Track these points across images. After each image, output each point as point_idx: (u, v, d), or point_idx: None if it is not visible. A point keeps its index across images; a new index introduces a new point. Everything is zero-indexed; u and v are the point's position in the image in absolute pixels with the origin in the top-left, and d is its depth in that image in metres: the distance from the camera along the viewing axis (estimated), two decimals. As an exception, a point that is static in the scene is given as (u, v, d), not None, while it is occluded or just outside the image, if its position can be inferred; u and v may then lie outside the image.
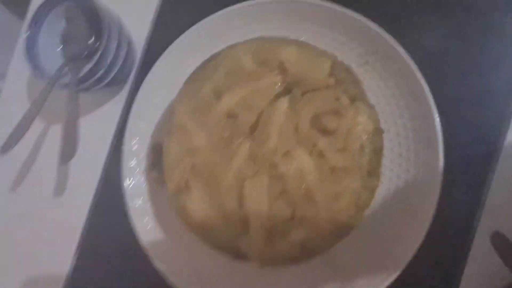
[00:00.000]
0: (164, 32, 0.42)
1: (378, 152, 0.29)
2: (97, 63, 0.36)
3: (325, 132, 0.29)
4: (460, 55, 0.35)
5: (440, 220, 0.31)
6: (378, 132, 0.29)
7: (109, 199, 0.42)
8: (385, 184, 0.33)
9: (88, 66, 0.37)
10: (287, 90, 0.31)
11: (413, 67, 0.32)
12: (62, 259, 0.42)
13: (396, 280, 0.31)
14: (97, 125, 0.44)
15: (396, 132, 0.34)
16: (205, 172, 0.32)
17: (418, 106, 0.33)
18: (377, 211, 0.33)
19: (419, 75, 0.32)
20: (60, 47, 0.40)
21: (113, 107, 0.44)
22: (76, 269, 0.42)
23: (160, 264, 0.35)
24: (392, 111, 0.34)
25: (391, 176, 0.33)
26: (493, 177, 0.32)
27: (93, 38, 0.38)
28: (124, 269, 0.40)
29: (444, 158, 0.31)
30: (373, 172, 0.29)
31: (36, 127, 0.44)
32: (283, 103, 0.30)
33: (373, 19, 0.33)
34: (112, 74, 0.39)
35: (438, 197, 0.31)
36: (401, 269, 0.31)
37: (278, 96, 0.31)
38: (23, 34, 0.38)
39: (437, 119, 0.31)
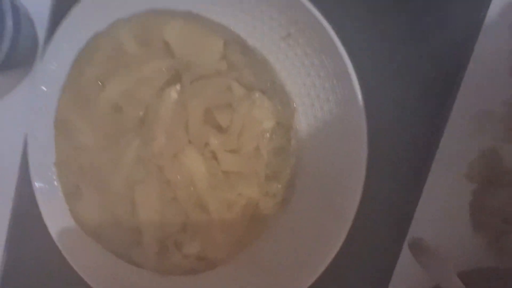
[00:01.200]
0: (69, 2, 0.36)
1: (281, 152, 0.25)
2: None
3: (219, 129, 0.24)
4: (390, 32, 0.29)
5: (367, 224, 0.27)
6: (282, 129, 0.24)
7: (28, 196, 0.39)
8: (306, 181, 0.29)
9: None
10: (177, 77, 0.25)
11: (336, 42, 0.27)
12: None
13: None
14: (6, 117, 0.39)
15: (322, 121, 0.29)
16: (94, 174, 0.28)
17: (343, 91, 0.27)
18: (297, 211, 0.29)
19: (342, 53, 0.27)
20: None
21: (23, 93, 0.39)
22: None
23: (78, 268, 0.33)
24: (318, 95, 0.29)
25: (314, 173, 0.29)
26: (426, 179, 0.28)
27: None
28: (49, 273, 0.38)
29: (368, 152, 0.27)
30: (275, 176, 0.25)
31: None
32: (170, 95, 0.25)
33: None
34: None
35: (361, 196, 0.27)
36: (319, 272, 0.29)
37: (167, 84, 0.25)
38: None
39: (362, 109, 0.26)
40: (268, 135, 0.24)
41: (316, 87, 0.29)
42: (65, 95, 0.28)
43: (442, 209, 0.28)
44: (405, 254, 0.29)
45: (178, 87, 0.25)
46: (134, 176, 0.26)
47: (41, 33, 0.37)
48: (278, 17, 0.29)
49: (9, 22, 0.33)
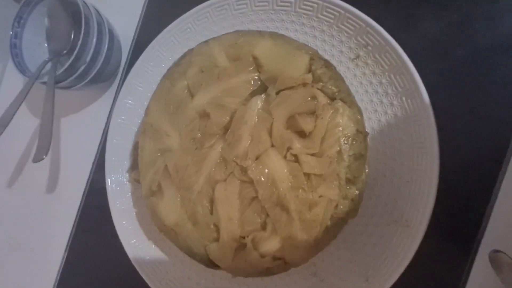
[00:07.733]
0: (151, 30, 0.40)
1: (359, 158, 0.26)
2: (76, 59, 0.35)
3: (301, 134, 0.26)
4: (459, 48, 0.31)
5: (438, 235, 0.27)
6: (360, 135, 0.26)
7: (97, 195, 0.42)
8: (374, 191, 0.30)
9: (68, 62, 0.36)
10: (262, 88, 0.28)
11: (407, 62, 0.29)
12: (53, 253, 0.42)
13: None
14: (88, 122, 0.44)
15: (389, 135, 0.30)
16: (177, 174, 0.30)
17: (412, 107, 0.29)
18: (364, 220, 0.30)
19: (413, 71, 0.29)
20: (46, 44, 0.40)
21: (104, 104, 0.44)
22: (67, 264, 0.42)
23: (137, 264, 0.35)
24: (385, 111, 0.31)
25: (383, 182, 0.30)
26: (498, 190, 0.29)
27: (73, 34, 0.37)
28: (109, 269, 0.40)
29: (440, 165, 0.28)
30: (354, 180, 0.26)
31: (29, 124, 0.45)
32: (257, 103, 0.27)
33: (362, 9, 0.30)
34: (94, 70, 0.38)
35: (432, 209, 0.28)
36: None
37: (252, 95, 0.28)
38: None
39: (433, 122, 0.28)
40: (350, 140, 0.25)
41: (383, 104, 0.31)
42: (156, 103, 0.32)
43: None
44: (478, 268, 0.29)
45: (263, 96, 0.28)
46: (215, 175, 0.28)
47: (124, 54, 0.43)
48: (348, 41, 0.32)
49: (105, 43, 0.38)
